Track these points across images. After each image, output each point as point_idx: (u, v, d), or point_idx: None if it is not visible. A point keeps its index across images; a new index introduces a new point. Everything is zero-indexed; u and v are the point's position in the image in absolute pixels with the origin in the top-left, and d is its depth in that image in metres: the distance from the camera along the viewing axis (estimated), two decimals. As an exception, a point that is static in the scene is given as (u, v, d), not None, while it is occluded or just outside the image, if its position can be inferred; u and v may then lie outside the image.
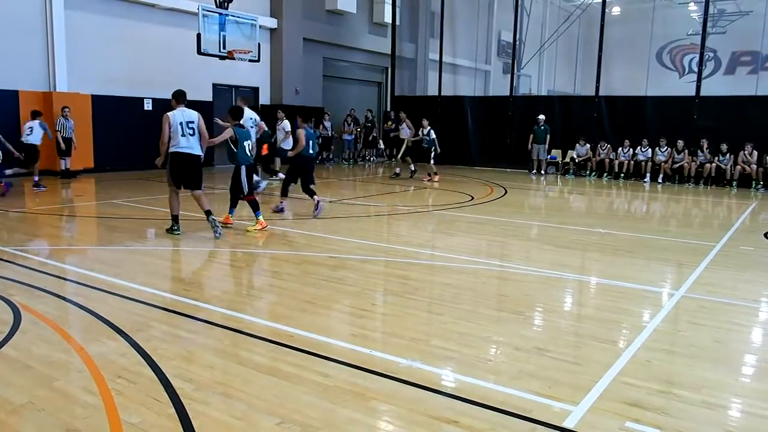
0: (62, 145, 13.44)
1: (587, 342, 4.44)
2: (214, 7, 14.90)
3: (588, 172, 18.32)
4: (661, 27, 25.50)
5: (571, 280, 6.40)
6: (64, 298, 5.20)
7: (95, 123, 15.08)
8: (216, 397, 3.37)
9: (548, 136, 18.57)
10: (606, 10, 19.24)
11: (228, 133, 8.16)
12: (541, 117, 18.50)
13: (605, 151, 18.15)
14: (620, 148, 17.89)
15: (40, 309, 4.76)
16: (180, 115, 7.63)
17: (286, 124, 13.83)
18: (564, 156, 19.14)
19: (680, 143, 16.73)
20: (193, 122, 7.66)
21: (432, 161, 15.41)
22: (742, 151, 16.03)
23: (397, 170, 16.39)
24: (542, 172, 18.72)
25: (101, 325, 4.45)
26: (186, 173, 7.83)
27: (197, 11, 14.49)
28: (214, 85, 18.12)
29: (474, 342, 4.34)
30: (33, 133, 12.21)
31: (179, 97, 7.79)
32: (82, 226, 9.03)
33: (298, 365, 3.81)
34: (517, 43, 22.13)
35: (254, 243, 7.90)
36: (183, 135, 7.59)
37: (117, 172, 15.38)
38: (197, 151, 7.76)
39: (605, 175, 17.94)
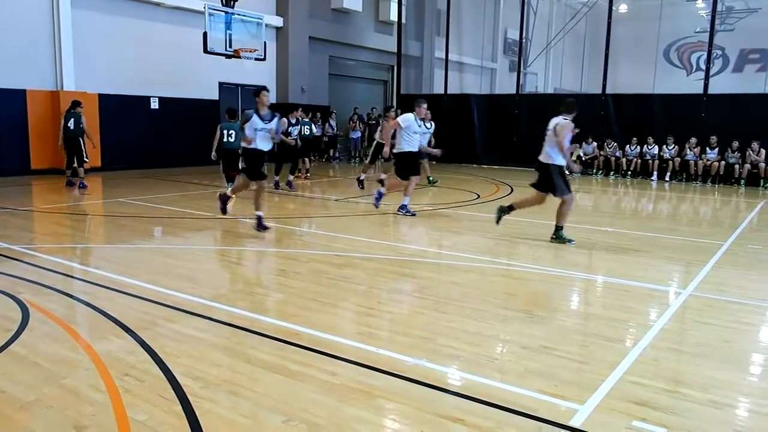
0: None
1: (594, 341, 4.42)
2: (221, 5, 14.95)
3: (595, 170, 18.26)
4: (669, 24, 25.38)
5: (578, 278, 6.38)
6: (71, 296, 5.23)
7: (102, 122, 15.14)
8: (223, 394, 3.38)
9: None
10: (613, 8, 19.15)
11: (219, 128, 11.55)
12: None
13: (612, 150, 18.08)
14: (627, 146, 17.82)
15: (47, 307, 4.78)
16: None
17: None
18: (571, 154, 19.06)
19: (693, 140, 16.65)
20: None
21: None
22: (748, 149, 15.95)
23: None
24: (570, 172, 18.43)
25: (108, 322, 4.46)
26: None
27: (203, 10, 14.55)
28: (221, 84, 18.17)
29: (480, 340, 4.33)
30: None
31: None
32: (89, 225, 9.07)
33: (304, 363, 3.81)
34: (524, 41, 22.09)
35: (260, 241, 7.92)
36: None
37: (124, 171, 15.46)
38: None
39: (612, 173, 17.88)
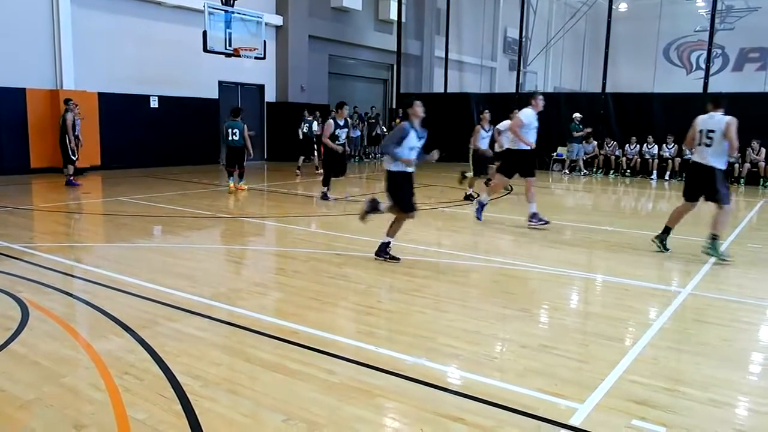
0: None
1: (593, 339, 4.43)
2: (220, 4, 14.93)
3: (595, 170, 18.27)
4: (669, 23, 25.42)
5: (577, 277, 6.38)
6: (71, 295, 5.23)
7: (102, 121, 15.14)
8: (222, 393, 3.38)
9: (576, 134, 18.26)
10: (613, 7, 19.15)
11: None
12: (577, 115, 18.15)
13: (611, 149, 18.09)
14: (627, 145, 17.83)
15: (47, 306, 4.78)
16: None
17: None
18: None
19: None
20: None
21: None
22: (748, 148, 15.94)
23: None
24: (581, 171, 18.32)
25: (108, 321, 4.46)
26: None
27: (203, 9, 14.53)
28: (220, 83, 18.16)
29: (480, 339, 4.33)
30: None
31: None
32: (88, 224, 9.07)
33: (304, 362, 3.81)
34: (523, 39, 22.08)
35: (260, 240, 7.92)
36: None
37: (123, 170, 15.45)
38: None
39: (612, 172, 17.88)
